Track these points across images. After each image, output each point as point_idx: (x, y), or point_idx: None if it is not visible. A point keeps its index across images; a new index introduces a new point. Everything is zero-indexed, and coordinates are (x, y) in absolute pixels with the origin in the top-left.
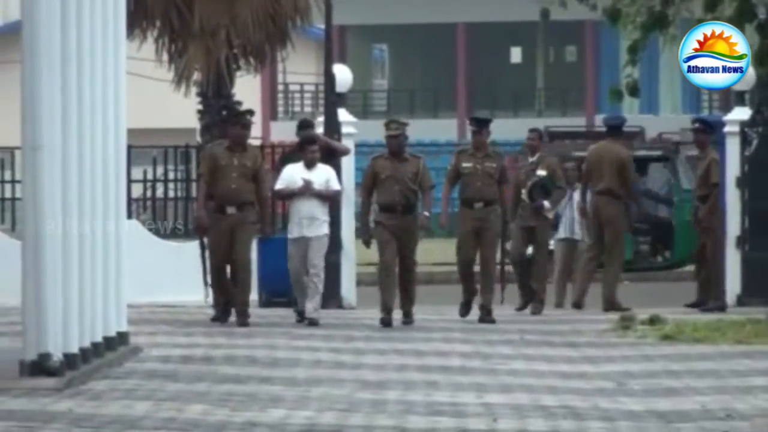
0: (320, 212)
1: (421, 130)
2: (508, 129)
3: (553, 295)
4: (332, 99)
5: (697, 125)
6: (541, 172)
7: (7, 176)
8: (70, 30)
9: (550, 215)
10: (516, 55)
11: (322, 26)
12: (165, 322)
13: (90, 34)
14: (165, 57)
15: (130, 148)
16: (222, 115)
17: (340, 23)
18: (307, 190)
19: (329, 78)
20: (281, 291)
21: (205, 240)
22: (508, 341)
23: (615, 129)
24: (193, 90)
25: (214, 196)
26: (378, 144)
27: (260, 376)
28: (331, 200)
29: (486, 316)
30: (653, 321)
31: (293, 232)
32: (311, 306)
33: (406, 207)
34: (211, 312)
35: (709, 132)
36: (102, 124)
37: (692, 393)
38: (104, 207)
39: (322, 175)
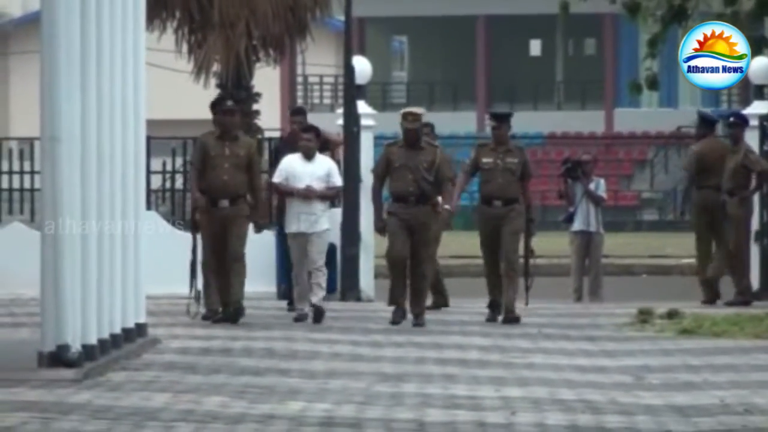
0: (319, 208)
1: (440, 122)
2: (527, 122)
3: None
4: (351, 91)
5: (732, 119)
6: None
7: (26, 167)
8: (89, 20)
9: (447, 208)
10: (535, 47)
11: (342, 18)
12: (184, 313)
13: (109, 25)
14: (184, 48)
15: (149, 139)
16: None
17: (359, 15)
18: (308, 196)
19: (349, 70)
20: None
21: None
22: (526, 335)
23: (713, 124)
24: (213, 81)
25: (206, 188)
26: (395, 136)
27: (278, 369)
28: (335, 199)
29: (509, 315)
30: (671, 315)
31: (291, 227)
32: (315, 299)
33: (419, 197)
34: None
35: (744, 126)
36: (121, 115)
37: (711, 387)
38: (123, 198)
39: (321, 168)
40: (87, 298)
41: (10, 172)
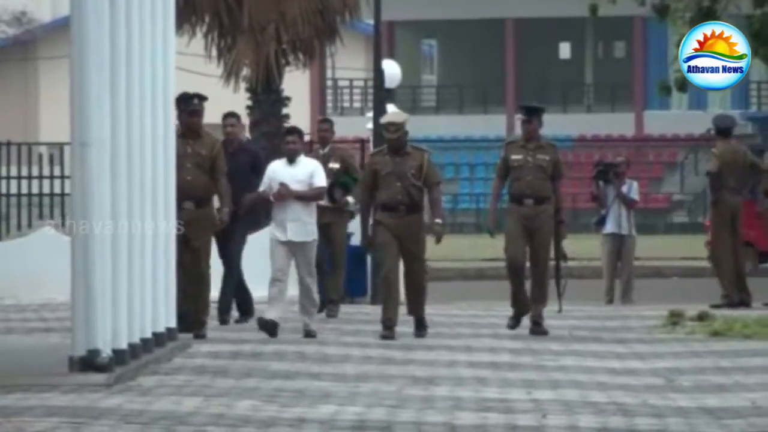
0: (306, 214)
1: (470, 125)
2: (556, 125)
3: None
4: (381, 95)
5: None
6: (334, 165)
7: (57, 172)
8: (118, 25)
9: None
10: (565, 50)
11: (371, 22)
12: (214, 317)
13: (139, 30)
14: (214, 52)
15: None
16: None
17: (389, 19)
18: (283, 197)
19: (378, 73)
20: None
21: None
22: (557, 337)
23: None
24: (242, 85)
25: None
26: (425, 139)
27: (310, 372)
28: (316, 200)
29: (537, 328)
30: (702, 317)
31: (278, 235)
32: (309, 321)
33: (409, 206)
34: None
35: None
36: (151, 120)
37: (742, 389)
38: (153, 203)
39: (305, 170)
40: (117, 302)
41: (41, 177)
